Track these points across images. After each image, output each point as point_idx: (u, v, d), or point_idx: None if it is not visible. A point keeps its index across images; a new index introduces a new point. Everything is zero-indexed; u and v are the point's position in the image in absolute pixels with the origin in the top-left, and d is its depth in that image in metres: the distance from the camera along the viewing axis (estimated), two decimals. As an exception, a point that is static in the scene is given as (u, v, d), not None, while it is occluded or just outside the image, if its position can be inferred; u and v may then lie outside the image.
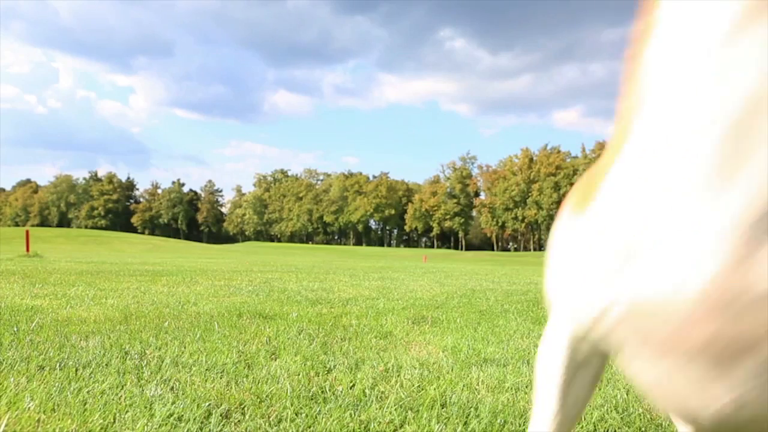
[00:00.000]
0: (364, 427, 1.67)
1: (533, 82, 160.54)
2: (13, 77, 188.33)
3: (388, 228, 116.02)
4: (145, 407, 1.72)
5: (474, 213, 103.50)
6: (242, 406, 1.80)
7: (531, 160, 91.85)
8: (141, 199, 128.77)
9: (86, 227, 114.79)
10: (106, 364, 2.23)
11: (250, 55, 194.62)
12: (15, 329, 2.91)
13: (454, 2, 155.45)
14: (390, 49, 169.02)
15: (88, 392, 1.85)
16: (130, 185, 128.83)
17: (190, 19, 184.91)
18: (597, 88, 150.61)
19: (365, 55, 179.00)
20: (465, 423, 1.73)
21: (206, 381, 2.05)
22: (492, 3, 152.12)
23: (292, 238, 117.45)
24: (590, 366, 0.74)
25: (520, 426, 1.73)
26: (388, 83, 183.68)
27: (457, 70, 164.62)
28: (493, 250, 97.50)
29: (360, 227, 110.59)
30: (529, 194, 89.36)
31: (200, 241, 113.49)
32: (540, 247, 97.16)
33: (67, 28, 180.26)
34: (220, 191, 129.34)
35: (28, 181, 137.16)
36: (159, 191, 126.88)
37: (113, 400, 1.79)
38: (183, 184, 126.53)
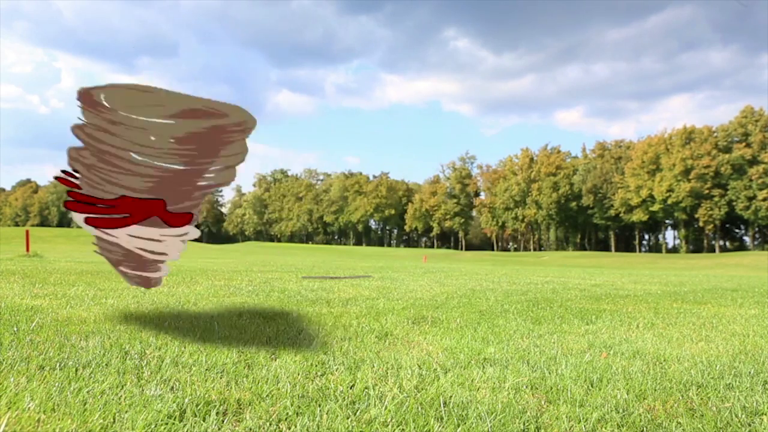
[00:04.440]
0: (365, 427, 1.67)
1: (536, 83, 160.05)
2: (15, 77, 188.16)
3: (388, 228, 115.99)
4: (145, 407, 1.72)
5: (474, 213, 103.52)
6: (242, 406, 1.80)
7: (531, 159, 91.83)
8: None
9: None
10: (106, 364, 2.22)
11: (254, 55, 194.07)
12: (15, 329, 2.91)
13: (458, 2, 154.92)
14: (393, 49, 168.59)
15: (88, 392, 1.85)
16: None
17: (193, 19, 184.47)
18: (599, 88, 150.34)
19: (369, 55, 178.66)
20: (465, 423, 1.73)
21: (206, 381, 2.05)
22: (496, 3, 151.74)
23: (292, 238, 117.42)
24: None
25: (520, 425, 1.73)
26: (391, 83, 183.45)
27: (460, 70, 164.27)
28: (493, 250, 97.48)
29: (360, 227, 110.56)
30: (529, 194, 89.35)
31: (200, 241, 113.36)
32: (540, 246, 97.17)
33: (70, 28, 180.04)
34: (220, 191, 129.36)
35: (28, 181, 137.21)
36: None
37: (113, 400, 1.79)
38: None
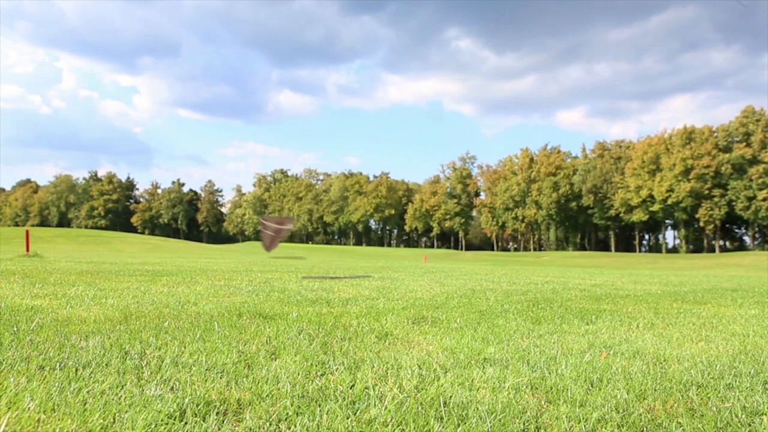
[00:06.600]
0: (365, 427, 1.67)
1: (538, 83, 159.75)
2: (17, 77, 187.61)
3: (388, 228, 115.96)
4: (145, 407, 1.72)
5: (474, 213, 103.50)
6: (242, 406, 1.80)
7: (531, 159, 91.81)
8: (141, 199, 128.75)
9: (86, 227, 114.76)
10: (106, 364, 2.22)
11: (256, 55, 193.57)
12: (15, 329, 2.91)
13: (460, 2, 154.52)
14: (395, 49, 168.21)
15: (88, 392, 1.85)
16: (130, 185, 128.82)
17: (195, 19, 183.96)
18: (601, 89, 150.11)
19: (370, 55, 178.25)
20: (465, 423, 1.73)
21: (206, 381, 2.05)
22: (498, 3, 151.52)
23: (292, 238, 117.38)
24: None
25: (520, 425, 1.73)
26: (392, 83, 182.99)
27: (462, 70, 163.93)
28: (493, 250, 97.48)
29: (360, 227, 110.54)
30: (529, 194, 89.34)
31: (200, 241, 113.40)
32: (540, 246, 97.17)
33: (71, 28, 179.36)
34: (220, 191, 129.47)
35: (28, 181, 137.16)
36: (159, 191, 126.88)
37: (113, 400, 1.79)
38: (183, 184, 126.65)
